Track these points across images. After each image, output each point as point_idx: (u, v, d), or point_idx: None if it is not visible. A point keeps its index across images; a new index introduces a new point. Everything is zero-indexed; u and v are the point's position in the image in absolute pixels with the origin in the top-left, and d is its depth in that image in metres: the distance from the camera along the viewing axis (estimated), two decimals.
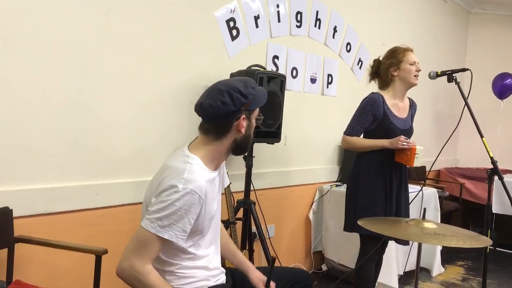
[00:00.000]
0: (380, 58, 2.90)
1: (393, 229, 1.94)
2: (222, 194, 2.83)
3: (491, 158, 2.53)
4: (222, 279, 1.81)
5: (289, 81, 3.49)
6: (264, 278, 1.87)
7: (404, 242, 2.87)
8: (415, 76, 2.76)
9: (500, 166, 2.69)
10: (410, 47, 2.85)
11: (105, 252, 1.98)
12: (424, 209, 2.05)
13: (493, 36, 6.16)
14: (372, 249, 2.73)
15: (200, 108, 1.68)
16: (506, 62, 5.82)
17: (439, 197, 4.40)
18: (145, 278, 1.54)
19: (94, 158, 2.43)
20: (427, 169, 4.58)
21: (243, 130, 1.70)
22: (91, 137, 2.41)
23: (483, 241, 1.89)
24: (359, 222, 2.05)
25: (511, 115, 5.76)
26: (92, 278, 2.01)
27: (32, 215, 2.21)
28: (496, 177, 2.53)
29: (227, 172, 2.67)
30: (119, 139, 2.53)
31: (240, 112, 1.67)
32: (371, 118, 2.75)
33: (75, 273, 2.33)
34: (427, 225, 1.94)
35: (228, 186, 2.76)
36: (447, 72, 2.67)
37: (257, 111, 1.77)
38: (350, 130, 2.81)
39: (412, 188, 3.65)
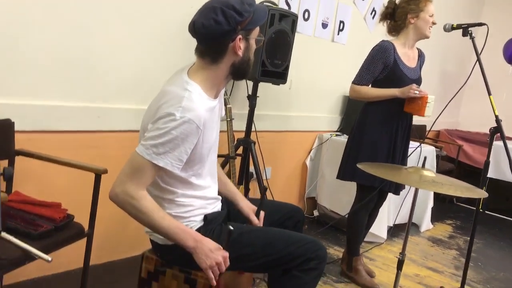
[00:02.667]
0: (397, 1, 2.81)
1: (392, 174, 1.95)
2: (223, 131, 2.86)
3: (496, 116, 2.51)
4: (218, 206, 1.82)
5: (300, 23, 3.41)
6: (254, 207, 1.88)
7: (395, 191, 2.87)
8: (429, 28, 2.70)
9: None
10: None
11: (105, 171, 1.99)
12: (425, 158, 2.06)
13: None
14: (369, 200, 2.77)
15: (192, 27, 1.57)
16: None
17: (437, 156, 4.43)
18: (139, 203, 1.51)
19: (98, 81, 2.41)
20: (428, 128, 4.59)
21: (240, 53, 1.59)
22: (96, 60, 2.38)
23: (479, 193, 1.91)
24: (359, 165, 2.06)
25: None
26: (90, 197, 2.04)
27: (34, 131, 2.21)
28: (495, 144, 2.55)
29: (225, 98, 2.66)
30: (124, 65, 2.50)
31: (235, 32, 1.55)
32: (381, 66, 2.70)
33: (74, 191, 2.36)
34: (426, 173, 1.96)
35: (231, 123, 2.75)
36: (463, 26, 2.60)
37: (256, 30, 1.63)
38: (359, 79, 2.75)
39: (411, 145, 3.67)
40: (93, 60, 2.36)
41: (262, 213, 1.88)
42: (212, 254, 1.54)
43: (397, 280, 2.10)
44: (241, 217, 1.90)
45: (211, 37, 1.55)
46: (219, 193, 1.88)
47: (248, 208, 1.89)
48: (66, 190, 2.35)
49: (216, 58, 1.60)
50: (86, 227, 2.00)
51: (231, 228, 1.58)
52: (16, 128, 2.08)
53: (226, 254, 1.56)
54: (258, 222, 1.86)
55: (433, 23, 2.70)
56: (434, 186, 1.83)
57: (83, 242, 2.04)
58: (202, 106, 1.56)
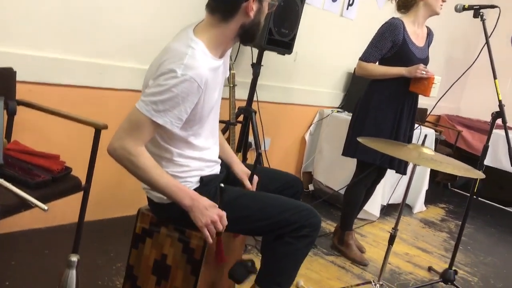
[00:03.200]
0: None
1: (392, 150, 1.95)
2: (225, 99, 2.84)
3: (499, 101, 2.52)
4: (216, 169, 1.81)
5: None
6: (248, 171, 1.88)
7: (403, 170, 2.87)
8: (441, 4, 2.66)
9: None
10: None
11: (105, 127, 1.98)
12: (425, 135, 2.06)
13: None
14: (368, 176, 2.78)
15: None
16: None
17: (436, 139, 4.44)
18: (137, 159, 1.50)
19: (102, 37, 2.38)
20: (429, 111, 4.58)
21: (251, 14, 1.56)
22: (102, 15, 2.34)
23: (476, 174, 1.92)
24: (359, 139, 2.06)
25: None
26: (88, 152, 2.03)
27: (35, 83, 2.20)
28: (494, 132, 2.57)
29: (230, 63, 2.64)
30: (130, 23, 2.46)
31: None
32: (390, 44, 2.67)
33: (73, 145, 2.36)
34: (425, 150, 1.96)
35: (233, 89, 2.74)
36: (474, 7, 2.57)
37: None
38: (367, 56, 2.72)
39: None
40: (99, 15, 2.33)
41: (255, 178, 1.87)
42: (207, 212, 1.55)
43: (387, 255, 2.13)
44: (239, 182, 1.90)
45: None
46: None
47: (242, 172, 1.88)
48: (65, 143, 2.35)
49: (226, 16, 1.56)
50: (83, 181, 2.01)
51: (222, 185, 1.59)
52: (18, 78, 2.06)
53: (223, 213, 1.57)
54: (251, 186, 1.86)
55: (443, 0, 2.66)
56: (433, 164, 1.84)
57: (78, 197, 2.05)
58: (205, 64, 1.54)
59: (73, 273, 1.76)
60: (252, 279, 1.75)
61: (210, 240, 1.56)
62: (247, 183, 1.86)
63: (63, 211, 2.46)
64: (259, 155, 1.83)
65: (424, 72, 2.56)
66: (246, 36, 1.64)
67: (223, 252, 1.69)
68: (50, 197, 1.81)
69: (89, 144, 2.02)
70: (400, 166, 2.81)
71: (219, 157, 1.90)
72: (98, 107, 2.46)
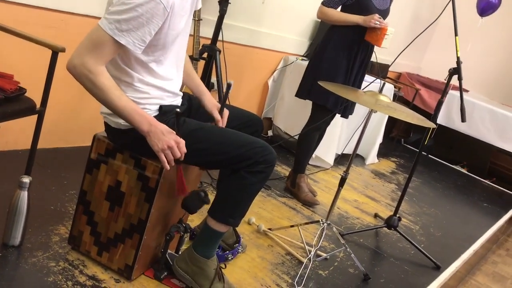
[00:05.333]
0: None
1: (350, 94, 2.00)
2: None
3: (458, 57, 2.59)
4: (177, 101, 1.81)
5: None
6: (218, 104, 1.89)
7: (347, 115, 3.01)
8: None
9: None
10: None
11: (63, 50, 1.91)
12: (384, 83, 2.11)
13: None
14: (321, 119, 2.85)
15: None
16: None
17: (394, 95, 4.55)
18: (96, 78, 1.50)
19: None
20: (389, 67, 4.65)
21: None
22: None
23: (429, 124, 2.00)
24: (320, 83, 2.09)
25: (484, 35, 5.80)
26: (44, 76, 1.97)
27: None
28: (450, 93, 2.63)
29: None
30: None
31: None
32: None
33: (28, 67, 2.27)
34: (382, 98, 2.02)
35: (199, 23, 2.69)
36: None
37: None
38: (328, 1, 2.79)
39: (370, 78, 3.74)
40: None
41: (226, 112, 1.87)
42: (164, 137, 1.56)
43: (337, 196, 2.22)
44: (201, 117, 1.90)
45: None
46: (184, 85, 1.86)
47: (211, 104, 1.89)
48: (20, 65, 2.26)
49: None
50: (38, 104, 1.96)
51: (178, 110, 1.59)
52: None
53: (180, 139, 1.58)
54: (221, 119, 1.86)
55: None
56: (388, 110, 1.89)
57: (32, 123, 1.99)
58: None
59: (24, 194, 1.75)
60: (204, 210, 1.80)
61: (167, 166, 1.58)
62: (217, 115, 1.86)
63: (16, 136, 2.40)
64: (229, 86, 1.81)
65: (378, 23, 2.63)
66: None
67: (185, 183, 1.71)
68: (2, 117, 1.76)
69: (46, 67, 1.95)
70: (346, 111, 2.93)
71: (188, 87, 1.90)
72: (56, 31, 2.36)
